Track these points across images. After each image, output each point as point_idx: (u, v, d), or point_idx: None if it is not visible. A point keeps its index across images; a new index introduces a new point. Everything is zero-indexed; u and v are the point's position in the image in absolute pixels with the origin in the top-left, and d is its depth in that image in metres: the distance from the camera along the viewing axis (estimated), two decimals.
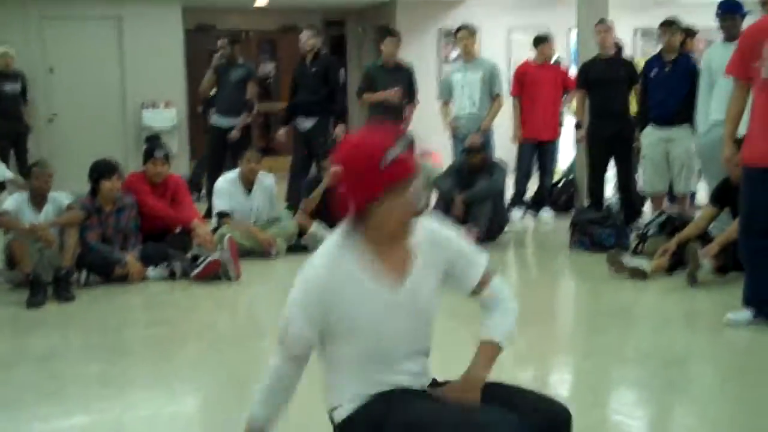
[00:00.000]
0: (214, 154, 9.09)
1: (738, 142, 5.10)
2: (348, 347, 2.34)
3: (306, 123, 8.54)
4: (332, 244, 2.38)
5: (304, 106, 8.56)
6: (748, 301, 4.76)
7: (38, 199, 6.08)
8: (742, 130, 5.76)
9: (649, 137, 7.56)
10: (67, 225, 5.97)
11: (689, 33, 8.52)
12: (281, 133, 9.09)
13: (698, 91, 7.01)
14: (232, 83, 8.95)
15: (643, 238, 6.74)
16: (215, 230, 6.89)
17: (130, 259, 6.16)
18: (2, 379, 4.14)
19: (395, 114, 8.42)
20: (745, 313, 4.73)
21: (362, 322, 2.31)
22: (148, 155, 6.81)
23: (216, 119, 9.05)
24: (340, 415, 2.37)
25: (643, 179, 7.91)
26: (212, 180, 8.14)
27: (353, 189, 2.33)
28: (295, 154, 8.80)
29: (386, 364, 2.35)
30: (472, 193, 7.36)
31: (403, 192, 2.29)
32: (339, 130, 8.44)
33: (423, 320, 2.43)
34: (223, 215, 7.09)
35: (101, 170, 6.26)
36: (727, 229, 5.91)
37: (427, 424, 2.21)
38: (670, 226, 6.59)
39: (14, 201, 6.10)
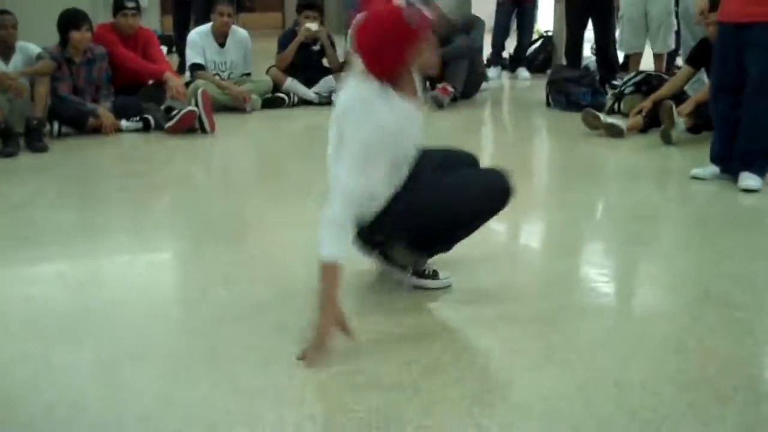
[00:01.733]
0: (178, 7, 8.81)
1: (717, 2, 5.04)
2: (385, 161, 2.78)
3: None
4: (370, 93, 2.75)
5: None
6: (714, 158, 4.82)
7: (4, 49, 5.94)
8: None
9: None
10: (38, 74, 5.86)
11: None
12: None
13: None
14: None
15: (619, 97, 6.74)
16: (189, 84, 6.81)
17: (102, 110, 6.10)
18: None
19: None
20: (712, 168, 4.80)
21: (400, 134, 2.80)
22: (119, 7, 6.65)
23: None
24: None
25: (620, 38, 7.85)
26: (179, 35, 7.97)
27: (394, 55, 2.70)
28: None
29: (399, 167, 2.88)
30: (449, 51, 7.27)
31: (430, 39, 2.75)
32: None
33: (420, 132, 2.99)
34: (196, 67, 7.00)
35: (70, 20, 6.12)
36: (702, 88, 5.94)
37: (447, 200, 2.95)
38: (646, 85, 6.58)
39: None
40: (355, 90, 2.79)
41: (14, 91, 5.73)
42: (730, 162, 4.73)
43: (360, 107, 2.73)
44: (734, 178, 4.65)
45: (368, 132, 2.70)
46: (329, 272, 2.61)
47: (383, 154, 2.76)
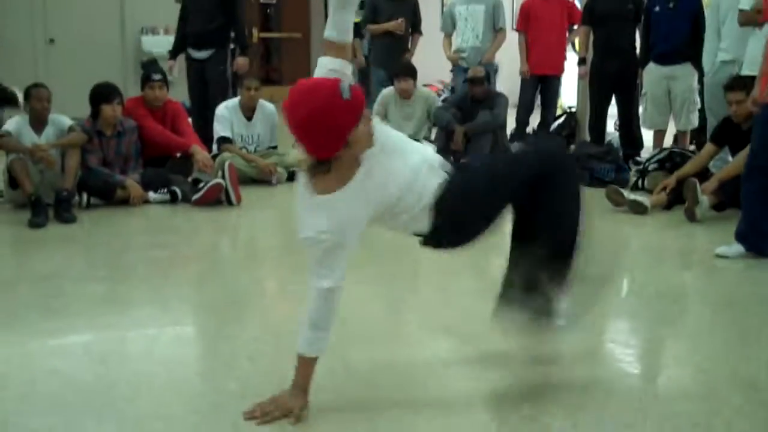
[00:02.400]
0: (195, 88, 8.49)
1: (743, 81, 5.09)
2: (355, 239, 2.73)
3: (199, 54, 7.98)
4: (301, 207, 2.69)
5: (196, 36, 7.94)
6: (739, 236, 4.80)
7: (38, 122, 6.07)
8: (745, 69, 5.78)
9: (651, 74, 7.54)
10: (69, 147, 5.98)
11: None
12: (170, 66, 8.22)
13: (704, 30, 6.98)
14: (206, 8, 8.10)
15: (643, 173, 6.77)
16: (215, 156, 6.90)
17: (131, 182, 6.18)
18: (6, 297, 4.18)
19: (399, 45, 8.38)
20: (737, 247, 4.78)
21: (353, 224, 2.71)
22: (146, 79, 6.80)
23: (191, 51, 8.15)
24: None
25: (644, 116, 7.90)
26: (198, 111, 7.91)
27: (327, 133, 2.46)
28: (190, 90, 8.18)
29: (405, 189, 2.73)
30: (473, 125, 7.37)
31: (365, 119, 2.52)
32: (241, 62, 7.95)
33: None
34: (224, 141, 7.10)
35: (102, 94, 6.25)
36: (725, 166, 5.95)
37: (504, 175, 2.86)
38: (670, 162, 6.61)
39: (15, 123, 6.08)
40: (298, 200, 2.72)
41: (45, 162, 5.83)
42: (756, 241, 4.71)
43: (300, 221, 2.67)
44: (761, 256, 4.63)
45: (314, 241, 2.64)
46: (301, 363, 2.78)
47: (346, 243, 2.67)
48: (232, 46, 8.05)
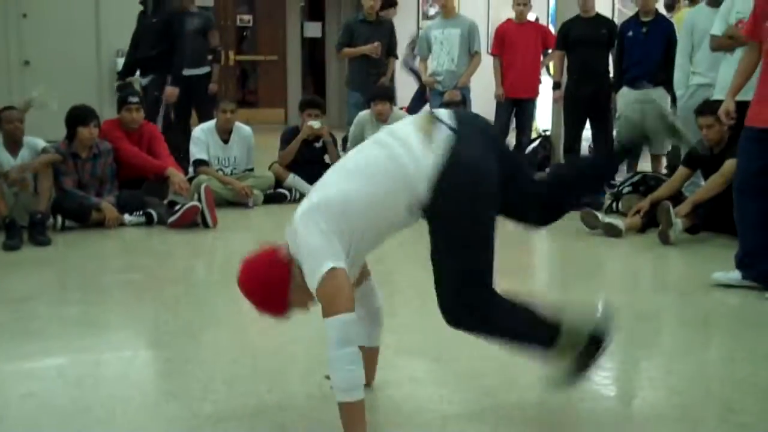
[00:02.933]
0: (179, 105, 8.67)
1: (713, 105, 5.14)
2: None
3: (142, 80, 8.13)
4: None
5: (140, 62, 8.10)
6: (740, 263, 4.69)
7: (12, 144, 6.05)
8: (717, 94, 5.86)
9: (625, 98, 7.62)
10: (42, 168, 5.94)
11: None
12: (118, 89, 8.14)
13: (676, 54, 7.07)
14: (189, 33, 8.46)
15: (617, 196, 6.82)
16: (192, 179, 6.89)
17: (106, 204, 6.16)
18: None
19: (375, 68, 8.42)
20: (734, 274, 4.70)
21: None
22: (123, 102, 6.79)
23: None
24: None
25: (617, 138, 7.94)
26: (179, 131, 7.99)
27: (279, 298, 2.75)
28: None
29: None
30: None
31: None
32: (169, 92, 7.86)
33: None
34: (199, 163, 7.09)
35: (79, 116, 6.23)
36: (698, 190, 6.02)
37: None
38: (644, 185, 6.67)
39: None
40: None
41: (18, 185, 5.81)
42: (754, 267, 4.65)
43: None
44: (762, 284, 4.58)
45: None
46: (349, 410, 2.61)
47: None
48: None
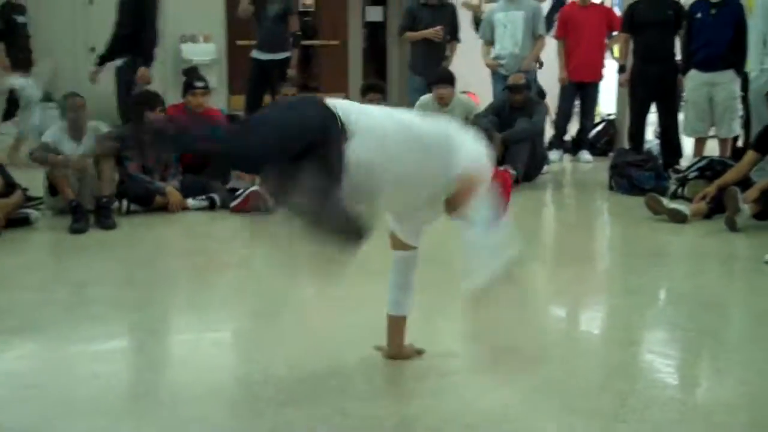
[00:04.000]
0: (254, 87, 8.94)
1: None
2: None
3: (117, 63, 7.76)
4: None
5: (111, 43, 7.77)
6: None
7: (76, 131, 6.13)
8: None
9: (693, 81, 7.48)
10: (102, 155, 6.00)
11: None
12: (92, 74, 8.06)
13: (746, 37, 6.91)
14: (270, 17, 8.80)
15: (682, 181, 6.70)
16: None
17: (170, 188, 6.24)
18: (45, 301, 4.23)
19: (437, 52, 8.38)
20: None
21: None
22: (188, 87, 6.87)
23: (255, 53, 8.93)
24: None
25: (684, 123, 7.83)
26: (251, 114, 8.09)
27: None
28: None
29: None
30: (512, 133, 7.33)
31: None
32: (140, 73, 7.62)
33: None
34: None
35: (145, 102, 6.31)
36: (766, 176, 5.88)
37: None
38: (710, 170, 6.54)
39: (53, 133, 6.14)
40: None
41: (77, 171, 5.90)
42: None
43: None
44: None
45: None
46: None
47: None
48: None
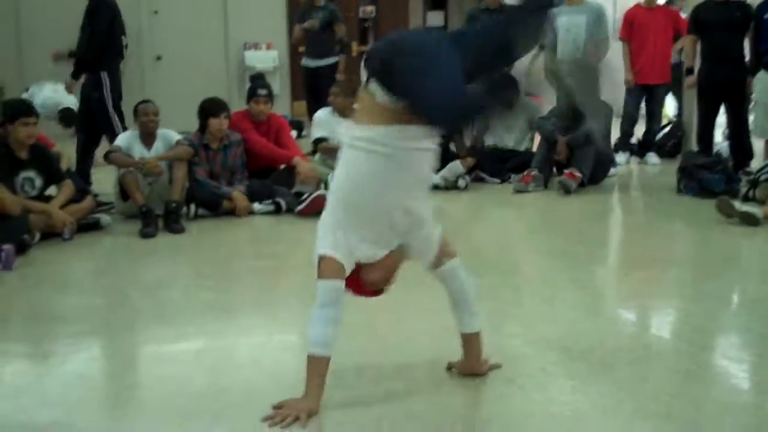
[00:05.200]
0: (308, 94, 9.14)
1: None
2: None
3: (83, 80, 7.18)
4: None
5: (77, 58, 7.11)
6: None
7: (147, 136, 6.26)
8: None
9: (762, 82, 7.33)
10: (176, 159, 6.14)
11: None
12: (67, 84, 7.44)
13: None
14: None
15: (754, 183, 6.55)
16: (313, 153, 6.95)
17: (237, 193, 6.30)
18: (118, 304, 4.31)
19: None
20: None
21: None
22: (252, 94, 6.94)
23: (304, 61, 9.19)
24: None
25: (753, 124, 7.68)
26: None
27: None
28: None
29: None
30: (576, 136, 7.26)
31: None
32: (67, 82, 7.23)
33: None
34: (320, 140, 7.16)
35: (210, 108, 6.40)
36: None
37: None
38: None
39: (125, 138, 6.31)
40: None
41: (153, 172, 6.01)
42: None
43: None
44: None
45: None
46: None
47: None
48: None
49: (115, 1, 7.08)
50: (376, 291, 3.03)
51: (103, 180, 6.83)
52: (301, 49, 10.10)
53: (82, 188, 6.13)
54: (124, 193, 6.08)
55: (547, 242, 5.62)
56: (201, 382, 3.20)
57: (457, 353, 3.17)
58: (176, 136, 6.32)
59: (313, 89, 9.04)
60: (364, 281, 2.93)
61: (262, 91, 6.92)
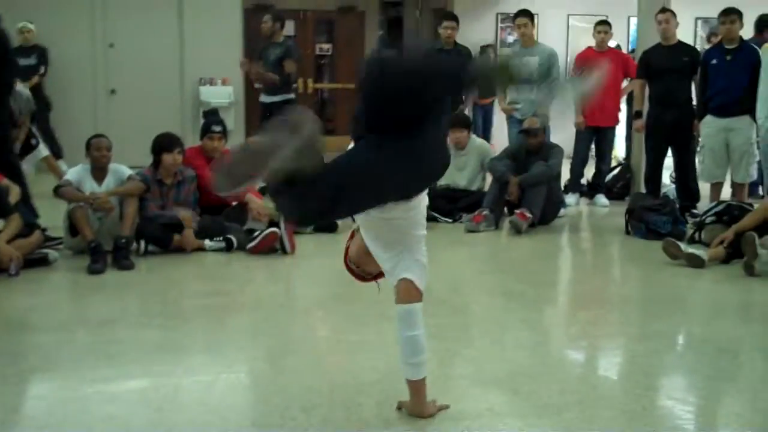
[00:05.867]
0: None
1: None
2: None
3: None
4: None
5: None
6: None
7: (99, 171, 6.20)
8: None
9: (709, 127, 7.51)
10: (127, 195, 6.09)
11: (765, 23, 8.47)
12: None
13: (760, 82, 6.93)
14: (271, 61, 9.04)
15: (700, 226, 6.67)
16: (264, 190, 6.94)
17: (187, 231, 6.25)
18: (63, 341, 4.24)
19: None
20: None
21: None
22: (206, 130, 6.94)
23: (261, 96, 9.27)
24: None
25: (700, 168, 7.84)
26: None
27: None
28: None
29: None
30: (528, 177, 7.35)
31: None
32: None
33: None
34: None
35: (164, 143, 6.37)
36: None
37: None
38: (728, 215, 6.52)
39: (76, 172, 6.24)
40: None
41: (103, 208, 5.96)
42: None
43: None
44: None
45: None
46: None
47: None
48: None
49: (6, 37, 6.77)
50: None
51: (52, 214, 6.75)
52: (258, 85, 10.13)
53: (31, 222, 6.04)
54: (73, 228, 6.00)
55: (497, 282, 5.65)
56: (145, 422, 3.16)
57: (406, 392, 3.17)
58: (128, 172, 6.28)
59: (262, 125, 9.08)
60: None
61: (217, 128, 6.91)
